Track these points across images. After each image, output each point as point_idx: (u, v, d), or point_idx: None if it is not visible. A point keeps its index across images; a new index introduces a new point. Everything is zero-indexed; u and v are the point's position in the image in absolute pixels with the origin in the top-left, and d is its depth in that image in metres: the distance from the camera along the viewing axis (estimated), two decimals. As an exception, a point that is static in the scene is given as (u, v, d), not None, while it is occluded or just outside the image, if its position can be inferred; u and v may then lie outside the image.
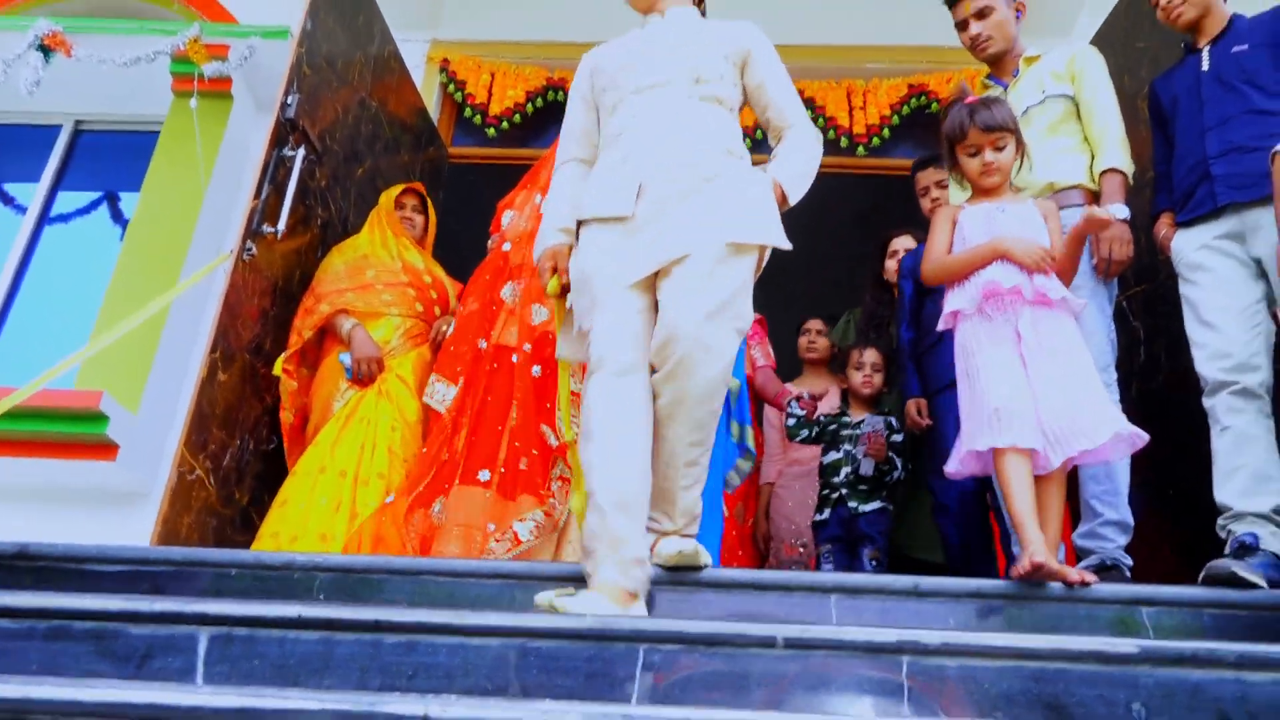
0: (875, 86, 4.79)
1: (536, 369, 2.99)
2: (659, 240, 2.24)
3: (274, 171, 3.18)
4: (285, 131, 3.23)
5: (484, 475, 2.82)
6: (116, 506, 3.76)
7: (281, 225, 3.13)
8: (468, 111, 4.80)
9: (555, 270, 2.41)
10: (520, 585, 2.01)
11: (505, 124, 4.73)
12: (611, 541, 2.00)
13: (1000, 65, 3.09)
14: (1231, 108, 2.56)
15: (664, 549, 2.14)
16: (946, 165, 2.64)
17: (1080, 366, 2.37)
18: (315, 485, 3.00)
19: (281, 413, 3.26)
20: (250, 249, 3.02)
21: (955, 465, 2.41)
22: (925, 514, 3.29)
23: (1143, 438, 2.30)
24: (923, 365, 3.28)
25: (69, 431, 3.53)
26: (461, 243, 4.60)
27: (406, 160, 4.30)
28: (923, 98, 4.80)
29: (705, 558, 2.16)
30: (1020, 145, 2.57)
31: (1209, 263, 2.52)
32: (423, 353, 3.40)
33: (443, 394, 3.11)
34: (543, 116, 4.80)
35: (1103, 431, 2.26)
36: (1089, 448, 2.27)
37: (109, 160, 4.82)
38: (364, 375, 3.21)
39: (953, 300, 2.50)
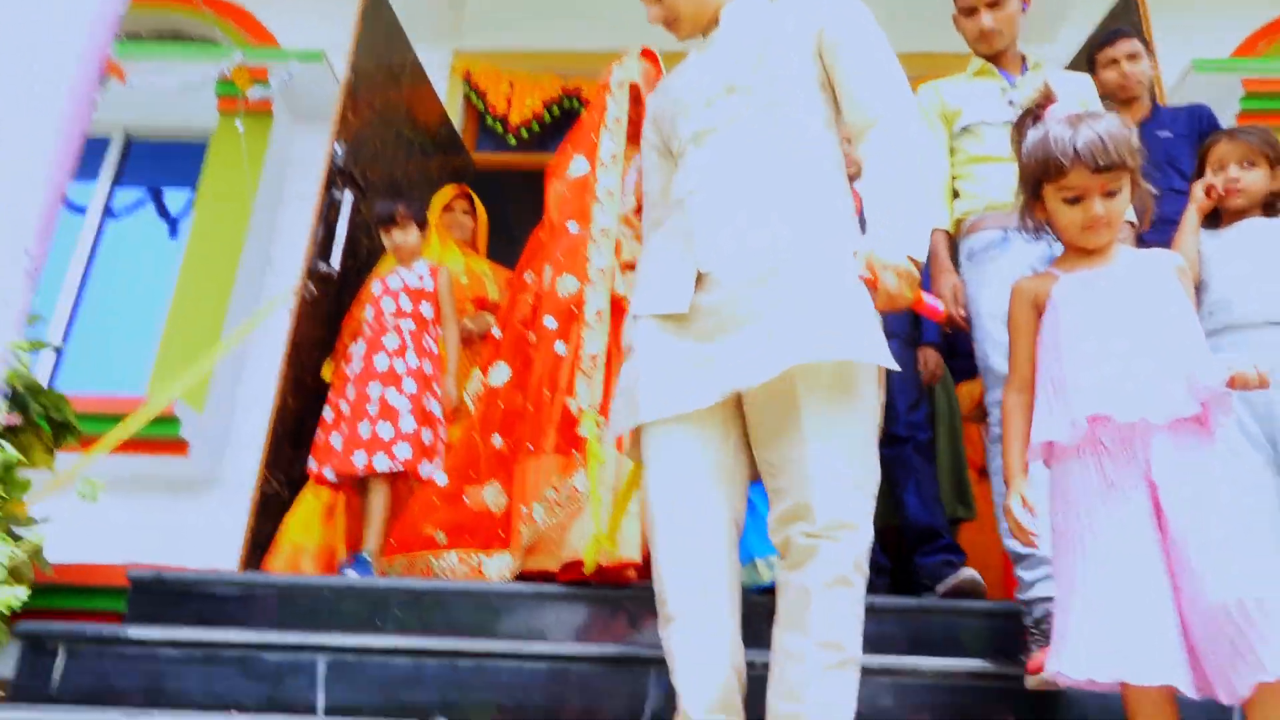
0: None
1: (560, 344, 2.81)
2: (740, 348, 1.68)
3: (326, 213, 3.59)
4: (335, 177, 3.63)
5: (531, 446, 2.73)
6: (190, 492, 4.30)
7: (336, 264, 3.55)
8: (489, 120, 5.15)
9: None
10: (565, 604, 2.47)
11: (525, 132, 5.09)
12: None
13: (1001, 61, 2.87)
14: (1158, 184, 2.95)
15: None
16: (1019, 204, 1.94)
17: (1249, 526, 1.59)
18: None
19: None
20: (311, 289, 3.45)
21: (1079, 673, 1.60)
22: None
23: None
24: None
25: (148, 432, 4.02)
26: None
27: (435, 169, 4.66)
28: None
29: None
30: (1136, 185, 1.83)
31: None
32: None
33: (477, 382, 3.09)
34: (559, 124, 5.16)
35: None
36: (1266, 679, 1.48)
37: (157, 166, 5.23)
38: None
39: (1042, 425, 1.76)
